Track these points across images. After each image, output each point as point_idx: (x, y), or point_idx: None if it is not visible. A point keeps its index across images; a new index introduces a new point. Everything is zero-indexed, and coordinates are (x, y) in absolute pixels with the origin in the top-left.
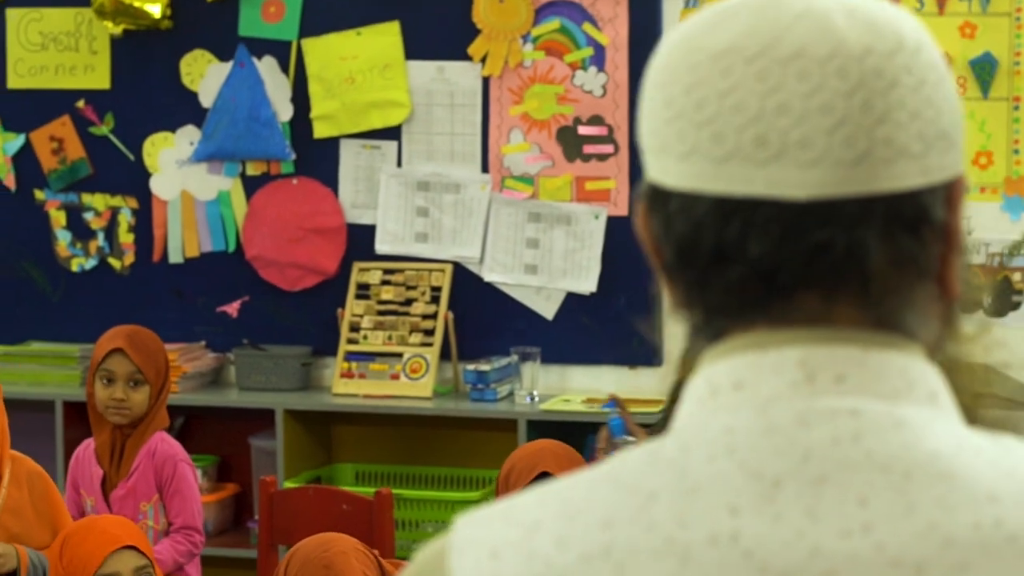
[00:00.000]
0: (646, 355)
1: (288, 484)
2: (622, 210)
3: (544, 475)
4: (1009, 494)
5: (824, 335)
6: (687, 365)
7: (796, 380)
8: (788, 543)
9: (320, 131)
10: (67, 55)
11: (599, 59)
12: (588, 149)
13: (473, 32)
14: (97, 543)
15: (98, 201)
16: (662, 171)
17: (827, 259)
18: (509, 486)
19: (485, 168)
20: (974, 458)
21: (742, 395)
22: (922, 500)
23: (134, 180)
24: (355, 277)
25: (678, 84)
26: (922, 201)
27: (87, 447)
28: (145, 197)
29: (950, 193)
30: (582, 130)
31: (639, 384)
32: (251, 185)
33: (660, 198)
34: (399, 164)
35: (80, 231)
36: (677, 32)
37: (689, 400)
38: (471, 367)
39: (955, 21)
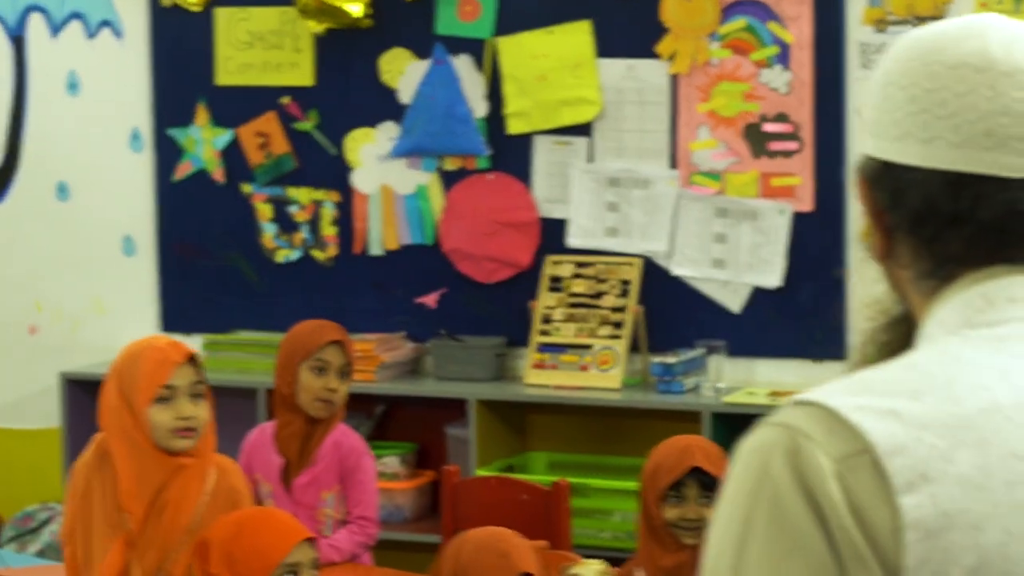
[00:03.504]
0: (831, 348)
1: (480, 472)
2: (807, 206)
3: (697, 470)
4: None
5: None
6: (899, 305)
7: None
8: None
9: (513, 127)
10: (272, 53)
11: (784, 57)
12: (773, 146)
13: (661, 31)
14: (281, 533)
15: (302, 195)
16: (902, 153)
17: None
18: (657, 482)
19: (673, 164)
20: None
21: (1017, 306)
22: None
23: (336, 174)
24: (547, 270)
25: (919, 86)
26: None
27: (262, 432)
28: (346, 191)
29: None
30: (767, 127)
31: (823, 377)
32: (448, 180)
33: (891, 173)
34: (590, 160)
35: (285, 223)
36: (906, 48)
37: (959, 308)
38: (658, 360)
39: None
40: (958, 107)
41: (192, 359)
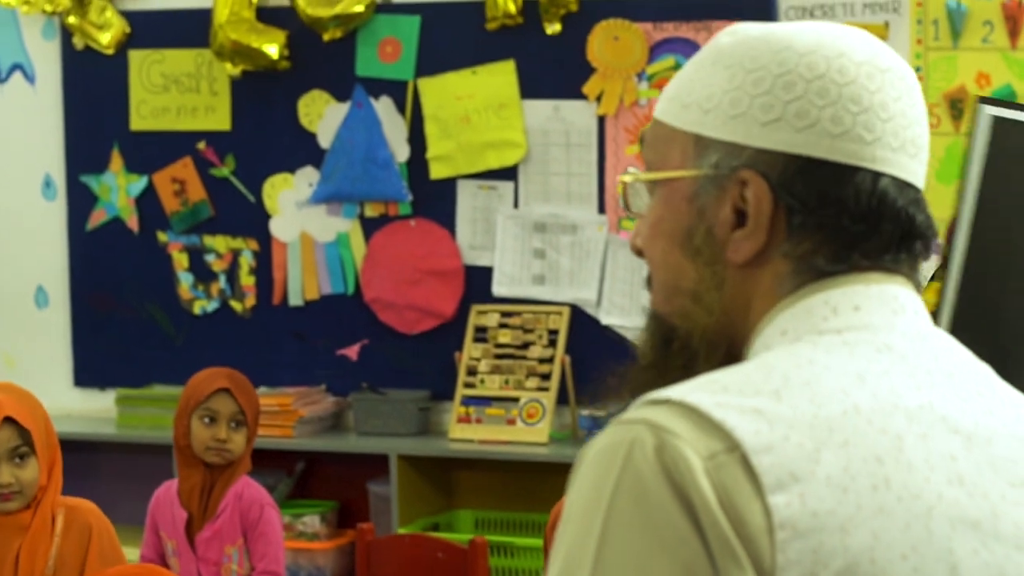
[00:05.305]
0: None
1: (403, 530)
2: None
3: None
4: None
5: (909, 283)
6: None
7: (895, 308)
8: (963, 412)
9: (436, 172)
10: (188, 96)
11: None
12: None
13: (588, 70)
14: None
15: (219, 243)
16: (829, 150)
17: (931, 228)
18: None
19: (602, 209)
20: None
21: (861, 314)
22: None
23: (254, 222)
24: (473, 320)
25: (866, 87)
26: None
27: (168, 489)
28: (265, 239)
29: None
30: None
31: None
32: (369, 227)
33: (810, 170)
34: (516, 205)
35: (202, 273)
36: (756, 42)
37: (802, 316)
38: (587, 412)
39: None
40: (896, 109)
41: (10, 420)
